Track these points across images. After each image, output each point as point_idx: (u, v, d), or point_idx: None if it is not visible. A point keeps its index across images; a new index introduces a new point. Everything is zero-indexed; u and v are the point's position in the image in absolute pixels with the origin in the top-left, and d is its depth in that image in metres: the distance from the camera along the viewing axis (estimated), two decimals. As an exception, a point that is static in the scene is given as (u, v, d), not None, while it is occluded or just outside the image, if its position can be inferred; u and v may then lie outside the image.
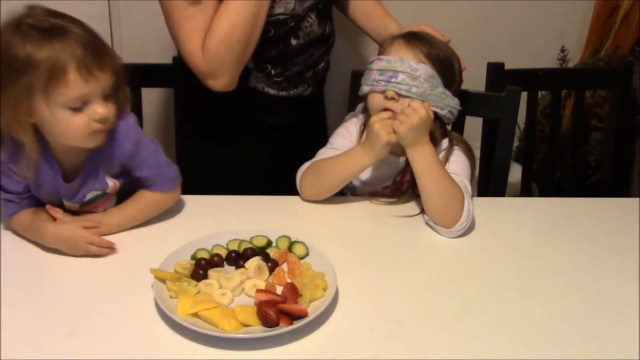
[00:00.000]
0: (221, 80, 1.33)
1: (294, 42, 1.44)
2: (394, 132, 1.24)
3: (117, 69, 1.10)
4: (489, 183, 1.60)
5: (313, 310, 0.96)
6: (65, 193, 1.19)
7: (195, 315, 0.96)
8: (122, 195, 1.25)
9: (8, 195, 1.17)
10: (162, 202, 1.25)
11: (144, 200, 1.23)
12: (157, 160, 1.22)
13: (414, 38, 1.31)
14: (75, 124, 1.07)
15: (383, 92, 1.28)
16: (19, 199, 1.18)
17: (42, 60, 1.02)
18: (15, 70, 1.02)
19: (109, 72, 1.08)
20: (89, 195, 1.20)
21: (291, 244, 1.15)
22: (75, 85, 1.04)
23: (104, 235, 1.17)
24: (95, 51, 1.06)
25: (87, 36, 1.07)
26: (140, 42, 2.03)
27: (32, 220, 1.17)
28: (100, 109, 1.08)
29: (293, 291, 1.00)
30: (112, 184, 1.21)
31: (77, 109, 1.06)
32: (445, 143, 1.36)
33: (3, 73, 1.04)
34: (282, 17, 1.39)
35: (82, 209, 1.22)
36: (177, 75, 1.54)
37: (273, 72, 1.46)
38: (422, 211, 1.29)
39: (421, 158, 1.25)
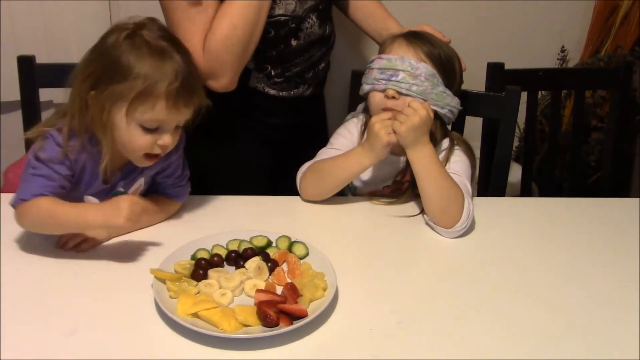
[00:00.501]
0: (221, 81, 1.33)
1: (294, 43, 1.44)
2: (394, 132, 1.24)
3: (199, 108, 1.14)
4: (489, 183, 1.60)
5: (313, 310, 0.96)
6: (97, 191, 1.19)
7: (195, 315, 0.96)
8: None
9: (53, 173, 1.10)
10: (173, 211, 1.29)
11: (167, 207, 1.27)
12: (184, 174, 1.29)
13: (414, 37, 1.32)
14: (139, 142, 1.11)
15: (383, 90, 1.29)
16: (60, 183, 1.11)
17: (141, 76, 1.05)
18: (114, 74, 1.06)
19: (191, 109, 1.13)
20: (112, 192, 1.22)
21: (291, 244, 1.15)
22: (159, 111, 1.08)
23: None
24: (189, 88, 1.10)
25: (188, 70, 1.10)
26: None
27: (65, 207, 1.09)
28: (168, 139, 1.12)
29: (293, 291, 1.00)
30: (138, 186, 1.24)
31: (148, 130, 1.10)
32: (446, 143, 1.36)
33: (103, 71, 1.07)
34: (282, 18, 1.39)
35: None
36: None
37: (273, 73, 1.46)
38: (422, 211, 1.29)
39: (421, 158, 1.25)
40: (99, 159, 1.14)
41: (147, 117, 1.08)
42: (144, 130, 1.10)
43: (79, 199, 1.18)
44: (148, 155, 1.14)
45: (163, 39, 1.10)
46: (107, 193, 1.20)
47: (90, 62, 1.09)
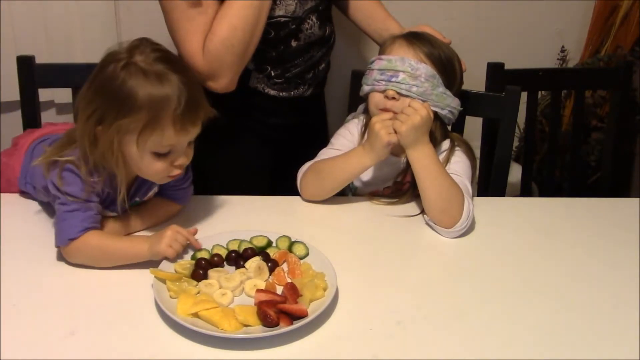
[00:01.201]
0: (221, 82, 1.33)
1: (294, 43, 1.44)
2: (395, 132, 1.24)
3: (206, 119, 1.12)
4: (489, 183, 1.60)
5: (313, 310, 0.96)
6: (115, 207, 1.19)
7: (195, 315, 0.96)
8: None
9: (90, 204, 1.11)
10: (176, 213, 1.29)
11: (170, 211, 1.28)
12: (187, 175, 1.27)
13: (415, 38, 1.32)
14: (155, 168, 1.10)
15: (384, 91, 1.29)
16: (98, 212, 1.13)
17: (145, 107, 1.03)
18: (118, 109, 1.04)
19: (199, 125, 1.11)
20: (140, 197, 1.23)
21: (291, 244, 1.15)
22: (168, 137, 1.07)
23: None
24: (194, 107, 1.08)
25: (190, 89, 1.07)
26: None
27: (115, 235, 1.15)
28: (183, 160, 1.12)
29: (293, 291, 1.00)
30: (151, 193, 1.24)
31: (162, 155, 1.09)
32: (446, 144, 1.36)
33: (106, 106, 1.05)
34: (282, 19, 1.39)
35: None
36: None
37: (273, 74, 1.46)
38: (423, 211, 1.29)
39: (421, 158, 1.25)
40: (116, 183, 1.13)
41: (158, 145, 1.07)
42: (158, 156, 1.09)
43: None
44: (168, 176, 1.14)
45: (159, 61, 1.06)
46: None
47: (91, 99, 1.07)
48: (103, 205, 1.16)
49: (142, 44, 1.08)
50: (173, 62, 1.09)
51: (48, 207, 1.26)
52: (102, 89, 1.06)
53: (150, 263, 1.07)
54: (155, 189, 1.24)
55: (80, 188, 1.10)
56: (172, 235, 1.09)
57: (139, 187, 1.21)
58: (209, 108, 1.12)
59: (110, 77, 1.05)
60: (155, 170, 1.11)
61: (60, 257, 1.12)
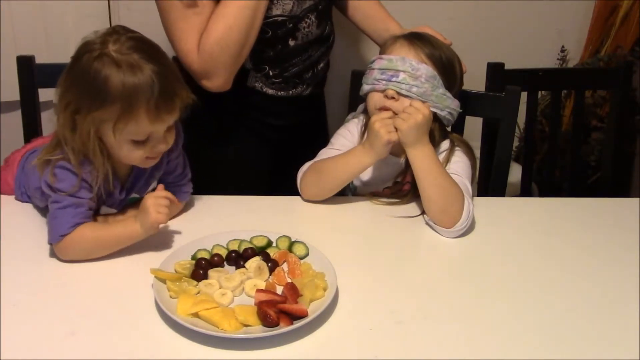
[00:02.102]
0: (216, 81, 1.33)
1: (292, 43, 1.44)
2: (396, 130, 1.23)
3: (185, 105, 1.12)
4: (489, 183, 1.60)
5: (313, 310, 0.96)
6: (114, 202, 1.20)
7: (195, 315, 0.96)
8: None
9: (79, 200, 1.12)
10: (177, 211, 1.28)
11: (171, 209, 1.26)
12: (185, 172, 1.29)
13: (416, 38, 1.32)
14: (134, 155, 1.12)
15: (383, 91, 1.29)
16: (89, 207, 1.14)
17: (117, 98, 1.04)
18: (91, 101, 1.05)
19: (176, 113, 1.11)
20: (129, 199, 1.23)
21: (291, 244, 1.15)
22: (144, 126, 1.07)
23: None
24: (168, 96, 1.07)
25: (164, 78, 1.06)
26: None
27: (105, 222, 1.17)
28: (162, 146, 1.13)
29: (293, 291, 1.00)
30: (150, 189, 1.24)
31: (140, 142, 1.10)
32: (446, 144, 1.36)
33: (80, 97, 1.06)
34: (279, 18, 1.39)
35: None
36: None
37: (271, 73, 1.46)
38: (423, 212, 1.29)
39: (421, 158, 1.25)
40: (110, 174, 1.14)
41: (134, 134, 1.08)
42: (136, 144, 1.10)
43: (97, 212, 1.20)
44: (148, 158, 1.14)
45: (133, 50, 1.05)
46: (123, 202, 1.22)
47: (67, 89, 1.08)
48: (100, 201, 1.16)
49: (117, 32, 1.08)
50: (147, 50, 1.08)
51: (47, 210, 1.25)
52: (76, 80, 1.07)
53: (151, 263, 1.06)
54: (154, 185, 1.24)
55: (71, 184, 1.11)
56: (154, 202, 1.10)
57: (135, 180, 1.21)
58: (187, 94, 1.12)
59: (84, 68, 1.05)
60: (134, 157, 1.12)
61: (61, 257, 1.12)
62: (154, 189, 1.23)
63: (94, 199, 1.15)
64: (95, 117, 1.06)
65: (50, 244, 1.12)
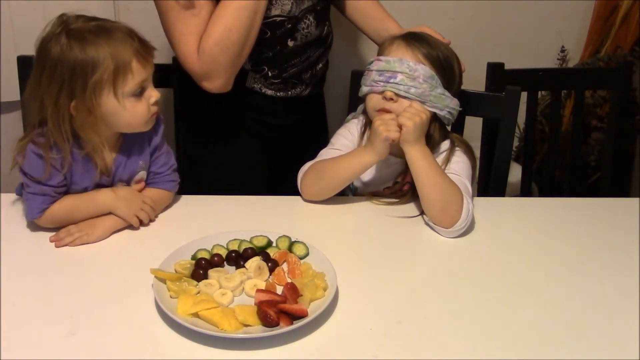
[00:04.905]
0: (216, 83, 1.33)
1: (290, 43, 1.43)
2: (400, 127, 1.23)
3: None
4: (489, 183, 1.60)
5: (313, 310, 0.96)
6: (105, 184, 1.24)
7: (196, 315, 0.96)
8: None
9: (46, 188, 1.17)
10: (168, 201, 1.31)
11: (162, 197, 1.30)
12: (174, 165, 1.32)
13: (413, 39, 1.31)
14: (139, 111, 1.17)
15: (382, 92, 1.29)
16: (55, 193, 1.19)
17: (107, 56, 1.10)
18: (84, 73, 1.09)
19: (154, 52, 1.18)
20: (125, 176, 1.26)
21: (291, 244, 1.15)
22: (138, 72, 1.13)
23: None
24: (142, 40, 1.16)
25: (130, 29, 1.15)
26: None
27: (77, 198, 1.21)
28: (155, 92, 1.19)
29: (293, 291, 1.00)
30: (140, 178, 1.28)
31: (137, 95, 1.15)
32: (446, 144, 1.36)
33: (70, 77, 1.09)
34: (278, 19, 1.39)
35: None
36: (177, 75, 1.54)
37: (270, 74, 1.46)
38: (422, 212, 1.29)
39: (421, 157, 1.25)
40: (87, 161, 1.18)
41: (133, 84, 1.13)
42: (136, 98, 1.15)
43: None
44: (150, 118, 1.20)
45: (91, 20, 1.13)
46: (113, 179, 1.25)
47: (50, 81, 1.10)
48: (72, 185, 1.20)
49: (63, 15, 1.14)
50: (100, 18, 1.16)
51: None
52: (59, 66, 1.09)
53: (151, 263, 1.06)
54: (142, 173, 1.27)
55: (40, 169, 1.15)
56: (140, 207, 1.22)
57: (119, 164, 1.23)
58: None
59: (60, 53, 1.09)
60: (141, 113, 1.17)
61: (61, 257, 1.12)
62: (143, 178, 1.28)
63: (63, 183, 1.19)
64: (93, 84, 1.09)
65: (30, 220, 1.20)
